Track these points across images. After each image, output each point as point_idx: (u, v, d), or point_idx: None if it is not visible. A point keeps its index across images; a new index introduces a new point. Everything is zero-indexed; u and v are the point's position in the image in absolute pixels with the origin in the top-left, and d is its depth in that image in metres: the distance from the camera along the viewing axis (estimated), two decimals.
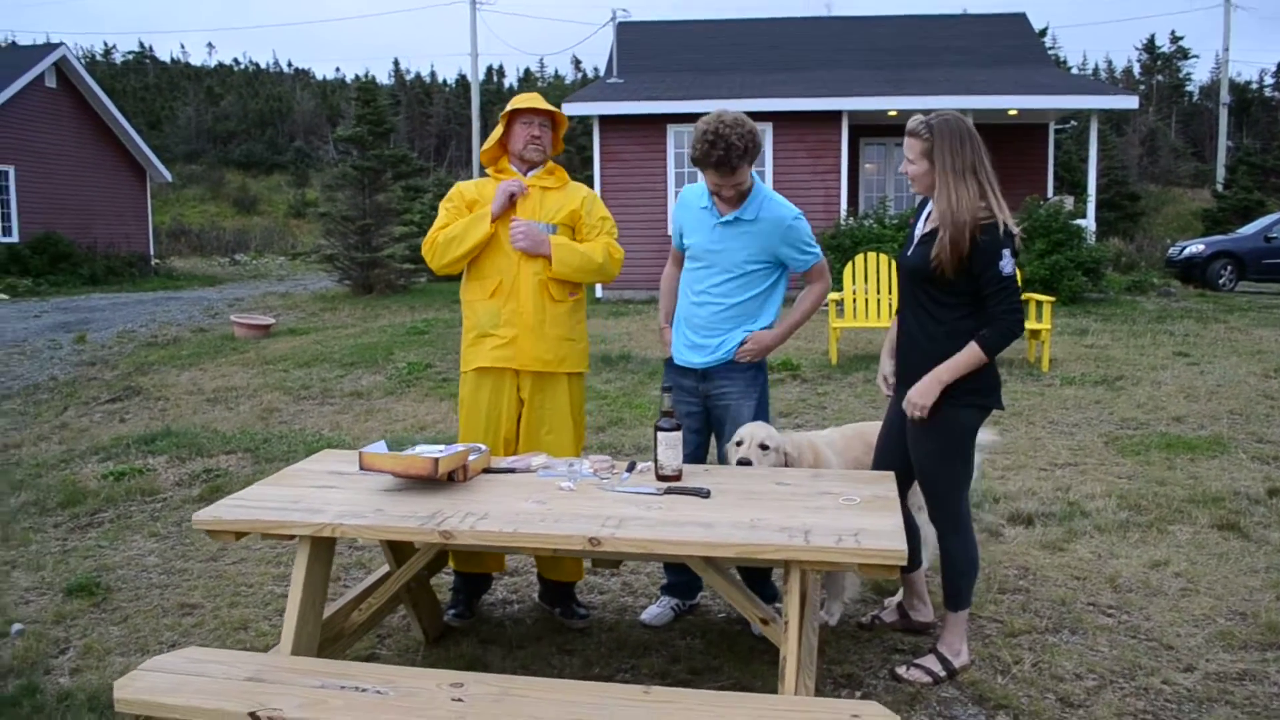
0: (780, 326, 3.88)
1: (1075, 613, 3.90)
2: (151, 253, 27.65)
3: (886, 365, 3.70)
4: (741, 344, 3.78)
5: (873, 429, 4.15)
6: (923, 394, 3.29)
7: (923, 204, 3.52)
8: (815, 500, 3.06)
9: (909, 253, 3.42)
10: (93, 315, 15.88)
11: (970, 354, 3.24)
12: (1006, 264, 3.20)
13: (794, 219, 3.77)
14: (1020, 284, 3.28)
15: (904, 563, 2.66)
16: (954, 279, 3.23)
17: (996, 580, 4.23)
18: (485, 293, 3.92)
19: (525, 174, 3.96)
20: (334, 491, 3.27)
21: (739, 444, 3.61)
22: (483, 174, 4.14)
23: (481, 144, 28.43)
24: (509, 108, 3.97)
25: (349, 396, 8.56)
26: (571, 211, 3.96)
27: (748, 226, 3.73)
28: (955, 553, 3.45)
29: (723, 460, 3.87)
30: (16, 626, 4.05)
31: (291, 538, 3.11)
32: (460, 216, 3.92)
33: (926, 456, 3.38)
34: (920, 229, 3.40)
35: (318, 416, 7.86)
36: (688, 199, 3.96)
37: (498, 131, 3.98)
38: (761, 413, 3.85)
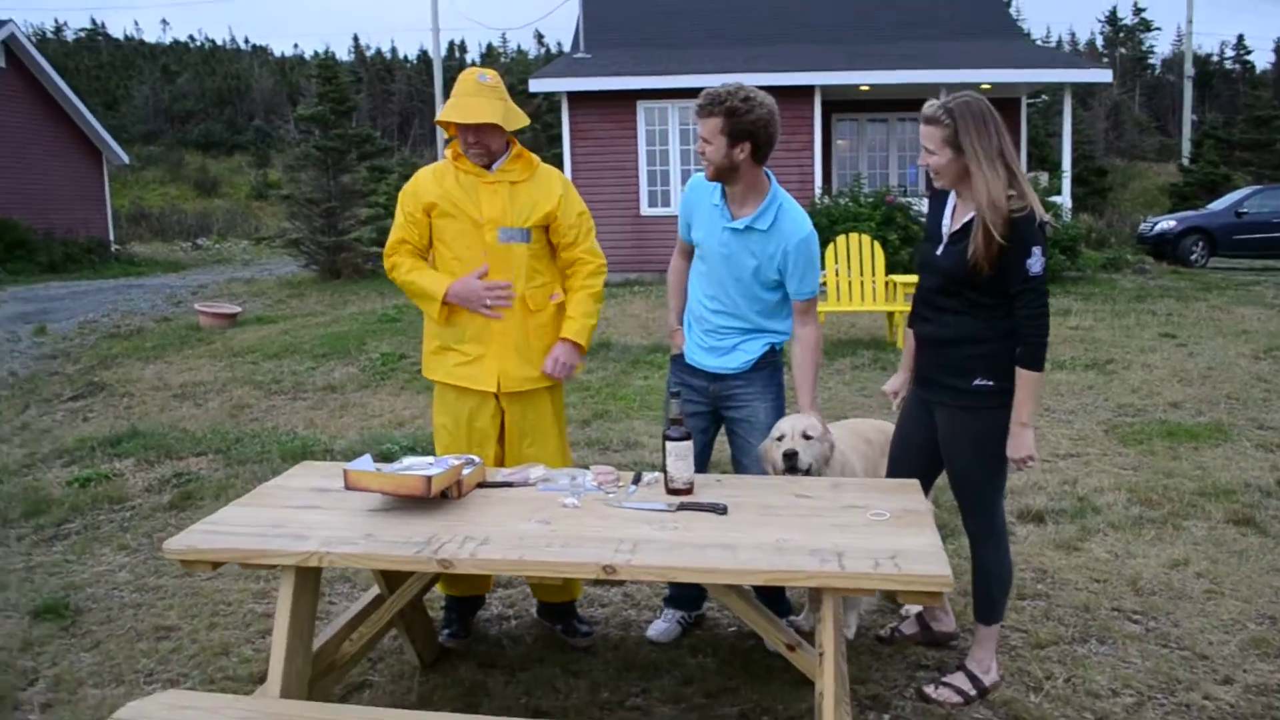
0: (805, 396, 3.55)
1: (1101, 620, 3.74)
2: (111, 238, 26.98)
3: (899, 380, 3.50)
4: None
5: (868, 426, 3.98)
6: (1021, 448, 3.08)
7: (936, 196, 3.31)
8: (841, 516, 2.86)
9: (939, 252, 3.18)
10: (52, 305, 15.43)
11: (1025, 383, 3.06)
12: (1035, 262, 2.99)
13: (809, 234, 3.45)
14: (1045, 279, 3.07)
15: (949, 588, 2.47)
16: (994, 276, 3.02)
17: (1015, 585, 4.05)
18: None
19: (489, 168, 3.54)
20: (318, 513, 3.03)
21: (780, 438, 3.39)
22: (448, 144, 3.73)
23: None
24: (439, 117, 3.47)
25: (322, 390, 8.28)
26: (546, 213, 3.56)
27: (760, 236, 3.43)
28: (990, 562, 3.26)
29: (736, 462, 3.66)
30: None
31: (274, 565, 2.87)
32: (417, 222, 3.54)
33: (963, 461, 3.18)
34: (948, 225, 3.18)
35: (290, 413, 7.58)
36: (698, 188, 3.60)
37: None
38: (778, 413, 3.62)
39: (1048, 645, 3.56)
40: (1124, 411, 6.90)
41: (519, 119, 3.50)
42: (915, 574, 2.44)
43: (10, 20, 23.91)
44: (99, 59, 65.40)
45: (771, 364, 3.62)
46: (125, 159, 28.67)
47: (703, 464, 3.68)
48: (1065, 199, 15.64)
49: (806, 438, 3.34)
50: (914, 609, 3.75)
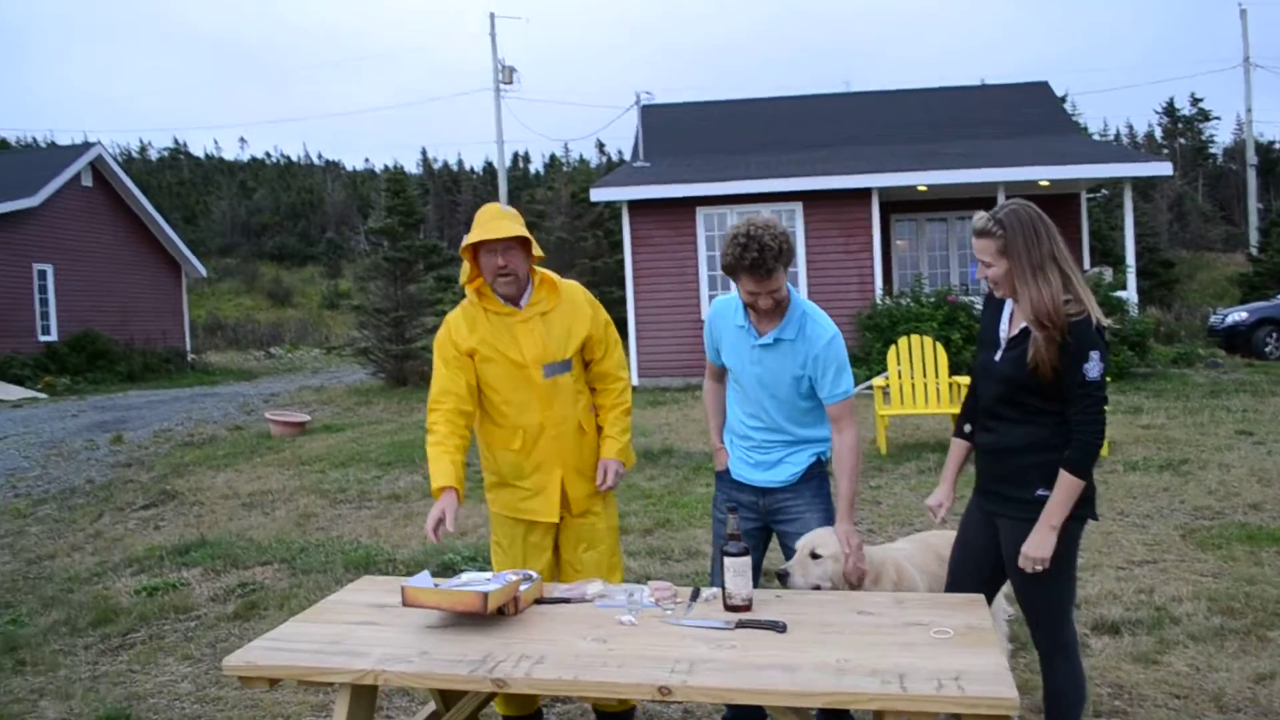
0: (843, 506, 3.49)
1: None
2: (188, 348, 27.84)
3: (942, 493, 3.43)
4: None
5: (940, 540, 3.88)
6: (1040, 547, 3.00)
7: (991, 301, 3.30)
8: (903, 634, 2.79)
9: (996, 358, 3.16)
10: (129, 414, 15.86)
11: (1064, 488, 2.98)
12: (1093, 367, 2.95)
13: (835, 334, 3.46)
14: (1104, 385, 3.02)
15: (1015, 711, 2.39)
16: (1054, 381, 2.98)
17: (1090, 700, 3.90)
18: (504, 442, 3.65)
19: (517, 304, 3.56)
20: (375, 629, 3.04)
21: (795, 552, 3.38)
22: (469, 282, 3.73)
23: None
24: (465, 241, 3.49)
25: (386, 499, 8.35)
26: (583, 338, 3.62)
27: (789, 346, 3.43)
28: (1063, 682, 3.14)
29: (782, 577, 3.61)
30: None
31: (330, 683, 2.87)
32: (463, 366, 3.54)
33: (1029, 579, 3.10)
34: (1005, 331, 3.16)
35: (355, 522, 7.64)
36: (722, 313, 3.60)
37: (466, 265, 3.56)
38: (828, 522, 3.59)
39: None
40: (1201, 514, 6.68)
41: (537, 249, 3.55)
42: (980, 696, 2.36)
43: (98, 143, 25.22)
44: (180, 176, 68.23)
45: (819, 474, 3.61)
46: (203, 272, 29.75)
47: (754, 579, 3.65)
48: (1131, 293, 15.44)
49: (814, 556, 3.32)
50: None
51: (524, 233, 3.46)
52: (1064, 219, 17.94)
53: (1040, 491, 3.05)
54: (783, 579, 3.32)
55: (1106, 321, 3.02)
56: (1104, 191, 25.25)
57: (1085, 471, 2.99)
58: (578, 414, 3.66)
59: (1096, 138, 42.34)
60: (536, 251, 3.55)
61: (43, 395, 19.68)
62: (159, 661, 4.89)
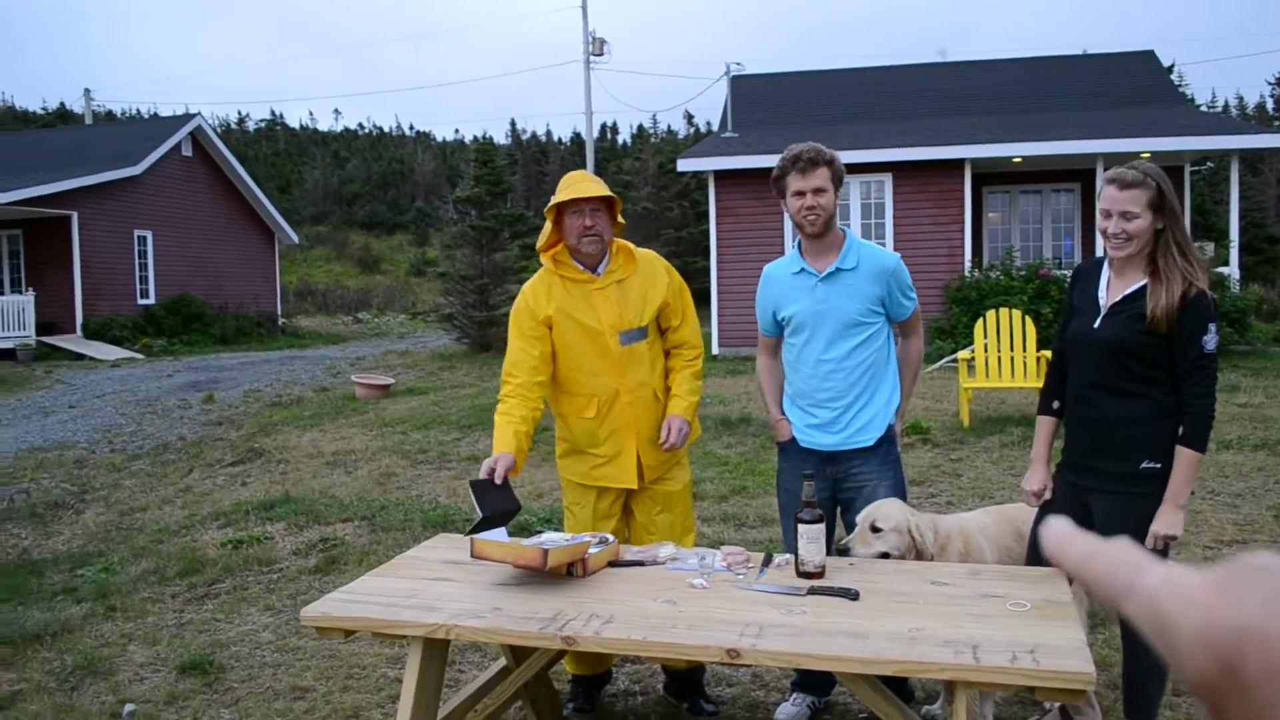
0: (901, 400, 3.64)
1: None
2: (279, 312, 28.52)
3: (1038, 478, 3.33)
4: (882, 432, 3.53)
5: (1021, 513, 3.77)
6: (1171, 525, 2.95)
7: (1081, 272, 3.19)
8: (978, 605, 2.72)
9: (1096, 325, 3.06)
10: (221, 375, 16.31)
11: (1187, 464, 2.93)
12: (1211, 339, 2.87)
13: (897, 262, 3.54)
14: (1217, 359, 2.92)
15: (1091, 685, 2.32)
16: (1157, 351, 2.89)
17: (1171, 680, 3.78)
18: (578, 410, 3.64)
19: (595, 271, 3.56)
20: (449, 585, 3.07)
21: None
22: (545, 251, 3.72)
23: None
24: (554, 200, 3.48)
25: (466, 461, 8.45)
26: (659, 305, 3.61)
27: (850, 275, 3.47)
28: (1143, 657, 3.05)
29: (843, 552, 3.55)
30: (129, 707, 3.96)
31: (404, 636, 2.91)
32: (539, 338, 3.53)
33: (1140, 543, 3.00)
34: (1105, 297, 3.06)
35: (434, 482, 7.75)
36: (774, 275, 3.71)
37: (548, 227, 3.55)
38: (897, 490, 3.54)
39: None
40: None
41: (618, 200, 3.60)
42: (1055, 670, 2.30)
43: (198, 114, 25.95)
44: (276, 146, 69.65)
45: (888, 439, 3.53)
46: (295, 239, 30.40)
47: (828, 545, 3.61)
48: (1234, 269, 14.85)
49: (875, 529, 3.25)
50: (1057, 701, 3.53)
51: (608, 193, 3.48)
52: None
53: (1145, 464, 2.96)
54: (843, 554, 3.26)
55: (1213, 295, 2.93)
56: (1209, 164, 24.33)
57: (1202, 445, 2.95)
58: (654, 381, 3.64)
59: (1204, 109, 40.75)
60: (619, 219, 3.58)
61: (140, 356, 20.35)
62: (242, 611, 5.03)
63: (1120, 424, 3.01)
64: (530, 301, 3.58)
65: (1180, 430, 2.93)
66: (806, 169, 3.41)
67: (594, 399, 3.59)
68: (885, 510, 3.29)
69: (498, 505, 3.29)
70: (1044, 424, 3.33)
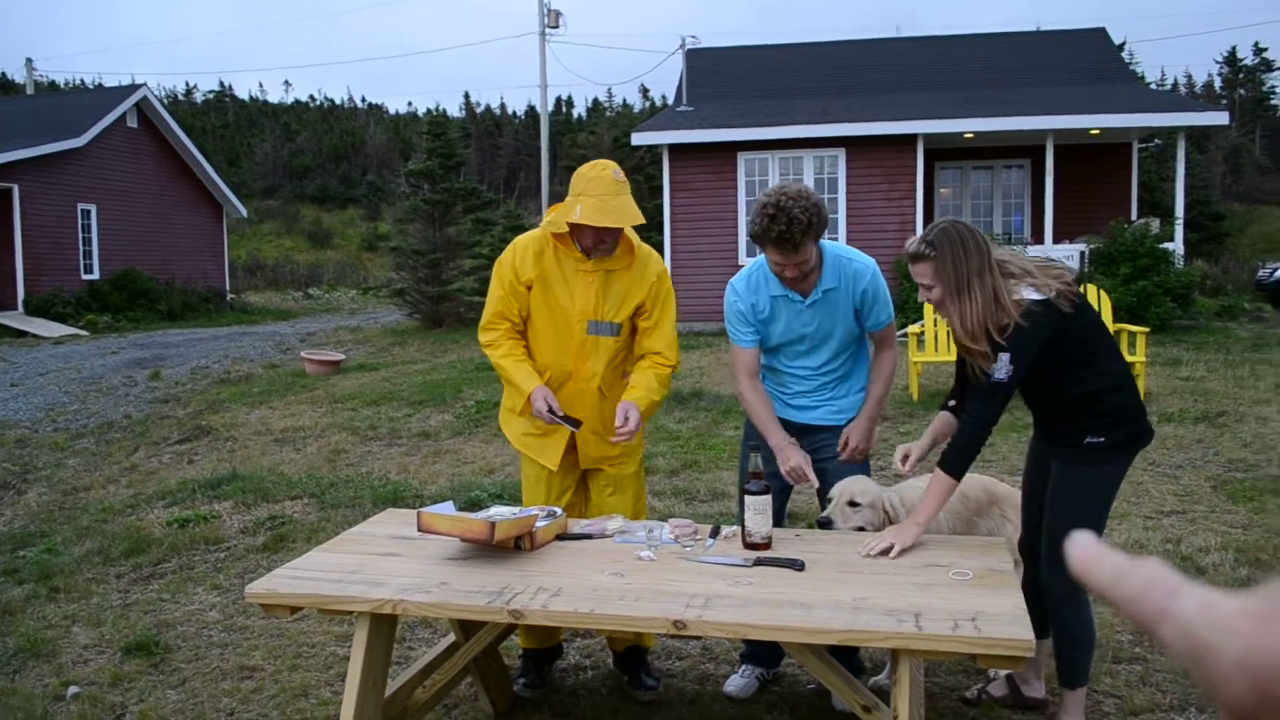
0: (870, 407, 3.56)
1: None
2: (227, 287, 28.09)
3: (921, 447, 3.33)
4: (838, 448, 3.50)
5: (971, 482, 3.82)
6: (901, 539, 2.97)
7: None
8: (922, 574, 2.76)
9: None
10: (168, 351, 16.04)
11: (938, 487, 3.00)
12: (1000, 369, 2.90)
13: (874, 272, 3.44)
14: (1009, 390, 2.95)
15: (1031, 653, 2.35)
16: (1042, 364, 2.98)
17: (1110, 648, 3.86)
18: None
19: (589, 254, 3.45)
20: (396, 560, 3.06)
21: (830, 500, 3.34)
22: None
23: (550, 175, 28.38)
24: (580, 219, 3.27)
25: (416, 437, 8.40)
26: (637, 304, 3.52)
27: (834, 295, 3.39)
28: (1073, 623, 3.11)
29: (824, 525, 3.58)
30: (73, 689, 3.90)
31: (350, 612, 2.89)
32: (518, 294, 3.49)
33: (1074, 514, 3.05)
34: None
35: (385, 459, 7.70)
36: (750, 289, 3.49)
37: (565, 210, 3.38)
38: (864, 468, 3.57)
39: (1143, 712, 3.37)
40: (1235, 467, 6.56)
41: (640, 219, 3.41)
42: (996, 637, 2.33)
43: (144, 85, 25.34)
44: (225, 119, 68.44)
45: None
46: (244, 213, 29.90)
47: (779, 518, 3.64)
48: (1178, 245, 15.10)
49: (852, 505, 3.27)
50: (1004, 670, 3.59)
51: (640, 220, 3.32)
52: (1114, 168, 17.55)
53: (1089, 440, 3.02)
54: (824, 527, 3.27)
55: (1063, 300, 2.93)
56: (1157, 141, 24.58)
57: (958, 472, 2.99)
58: (608, 375, 3.59)
59: (1153, 87, 41.23)
60: (637, 222, 3.37)
61: (84, 332, 19.96)
62: (188, 591, 4.97)
63: (1059, 416, 3.10)
64: (517, 259, 3.51)
65: (943, 451, 3.01)
66: (788, 252, 3.21)
67: (546, 371, 3.56)
68: (860, 486, 3.32)
69: (575, 424, 3.47)
70: (940, 420, 3.33)
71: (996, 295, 2.90)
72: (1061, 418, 3.09)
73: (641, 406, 3.47)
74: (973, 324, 2.88)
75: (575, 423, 3.46)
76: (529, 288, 3.50)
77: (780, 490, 3.57)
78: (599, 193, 3.28)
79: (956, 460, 2.98)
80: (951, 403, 3.32)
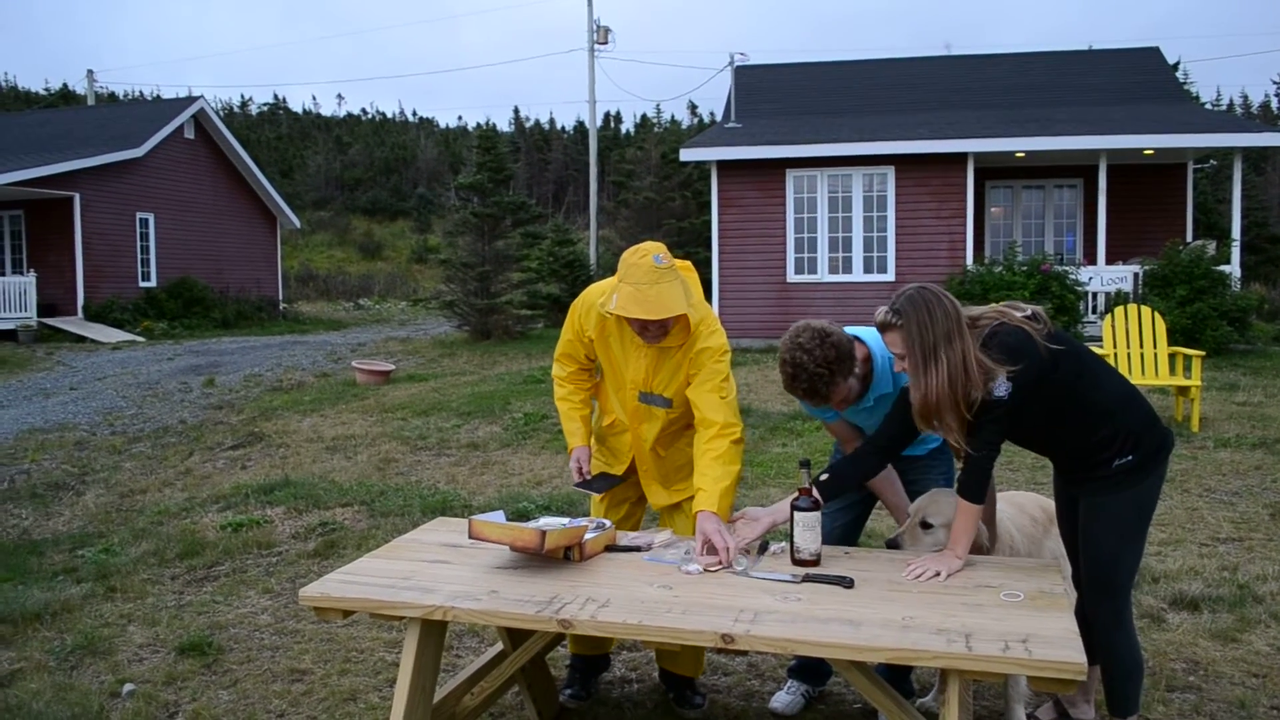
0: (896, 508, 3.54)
1: (1257, 718, 3.47)
2: (280, 297, 28.53)
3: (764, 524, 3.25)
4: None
5: (1029, 500, 3.78)
6: (941, 566, 2.95)
7: None
8: (973, 595, 2.75)
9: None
10: (222, 359, 16.33)
11: (966, 518, 2.98)
12: (1000, 387, 2.84)
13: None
14: (1011, 406, 2.88)
15: (1082, 676, 2.34)
16: (1041, 410, 2.96)
17: (1164, 676, 3.81)
18: (604, 407, 3.73)
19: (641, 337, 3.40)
20: (447, 568, 3.09)
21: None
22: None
23: (598, 190, 28.53)
24: (617, 311, 3.22)
25: (465, 448, 8.48)
26: (687, 376, 3.40)
27: (889, 396, 3.30)
28: (1123, 652, 3.07)
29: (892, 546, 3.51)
30: (128, 687, 3.98)
31: (401, 617, 2.93)
32: (581, 343, 3.58)
33: (1113, 540, 3.02)
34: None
35: (434, 468, 7.78)
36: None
37: (610, 294, 3.33)
38: (948, 479, 3.51)
39: None
40: None
41: (692, 288, 3.34)
42: (1047, 659, 2.32)
43: (201, 97, 25.92)
44: (279, 131, 69.55)
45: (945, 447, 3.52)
46: (297, 224, 30.40)
47: (854, 535, 3.66)
48: (1235, 268, 14.85)
49: (925, 526, 3.21)
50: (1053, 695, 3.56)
51: (683, 309, 3.22)
52: (1169, 189, 17.31)
53: (1118, 462, 2.98)
54: (892, 547, 3.24)
55: (1049, 326, 2.93)
56: (1212, 162, 24.23)
57: (976, 498, 2.97)
58: (665, 439, 3.59)
59: (1208, 106, 40.64)
60: (693, 296, 3.33)
61: (141, 339, 20.37)
62: (241, 594, 5.05)
63: (1079, 452, 3.05)
64: (582, 313, 3.55)
65: (959, 477, 2.99)
66: (819, 403, 3.24)
67: (612, 415, 3.67)
68: (937, 506, 3.21)
69: (603, 486, 3.66)
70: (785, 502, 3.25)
71: (965, 362, 2.82)
72: (1081, 465, 3.05)
73: (710, 507, 3.18)
74: (936, 396, 2.82)
75: (599, 487, 3.64)
76: (592, 340, 3.57)
77: (857, 502, 3.58)
78: (636, 280, 3.19)
79: (974, 486, 2.95)
80: (824, 476, 3.16)
